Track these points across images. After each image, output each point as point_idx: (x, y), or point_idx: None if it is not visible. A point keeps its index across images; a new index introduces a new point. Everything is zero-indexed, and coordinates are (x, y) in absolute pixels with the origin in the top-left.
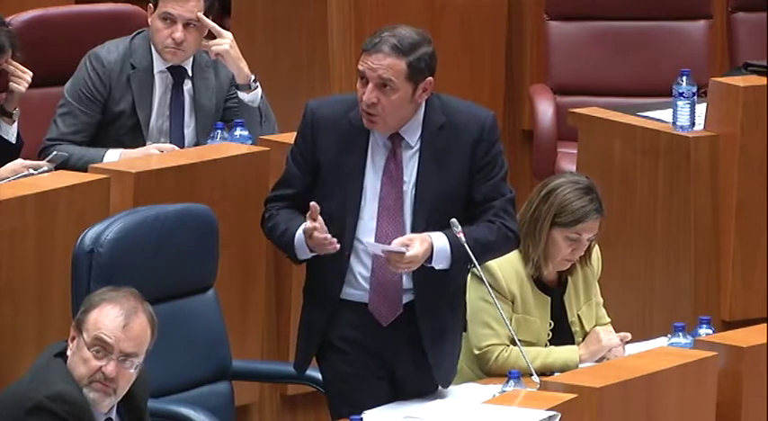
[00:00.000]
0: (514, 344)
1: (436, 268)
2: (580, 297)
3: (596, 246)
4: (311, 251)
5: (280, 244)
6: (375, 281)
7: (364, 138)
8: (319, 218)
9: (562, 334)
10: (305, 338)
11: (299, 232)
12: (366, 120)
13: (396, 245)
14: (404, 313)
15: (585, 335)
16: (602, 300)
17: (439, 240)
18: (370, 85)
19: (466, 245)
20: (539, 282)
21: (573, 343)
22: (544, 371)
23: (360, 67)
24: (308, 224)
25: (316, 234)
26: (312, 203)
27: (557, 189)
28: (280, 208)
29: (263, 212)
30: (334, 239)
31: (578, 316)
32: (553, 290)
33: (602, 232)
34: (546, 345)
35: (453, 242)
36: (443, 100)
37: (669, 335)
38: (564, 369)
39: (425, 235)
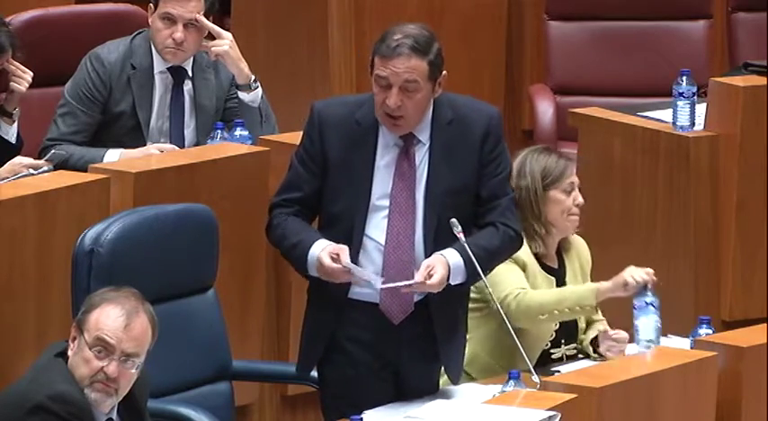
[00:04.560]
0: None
1: (452, 284)
2: (578, 280)
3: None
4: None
5: (289, 256)
6: (386, 280)
7: (373, 137)
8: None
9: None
10: (310, 339)
11: (313, 252)
12: (390, 124)
13: (420, 276)
14: (414, 311)
15: (588, 319)
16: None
17: (453, 257)
18: (395, 90)
19: (466, 245)
20: (542, 264)
21: (576, 326)
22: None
23: (381, 73)
24: (326, 259)
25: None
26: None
27: (525, 162)
28: (288, 214)
29: (269, 219)
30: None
31: None
32: (556, 271)
33: (602, 232)
34: (553, 330)
35: (465, 256)
36: (448, 96)
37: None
38: (578, 304)
39: (440, 256)
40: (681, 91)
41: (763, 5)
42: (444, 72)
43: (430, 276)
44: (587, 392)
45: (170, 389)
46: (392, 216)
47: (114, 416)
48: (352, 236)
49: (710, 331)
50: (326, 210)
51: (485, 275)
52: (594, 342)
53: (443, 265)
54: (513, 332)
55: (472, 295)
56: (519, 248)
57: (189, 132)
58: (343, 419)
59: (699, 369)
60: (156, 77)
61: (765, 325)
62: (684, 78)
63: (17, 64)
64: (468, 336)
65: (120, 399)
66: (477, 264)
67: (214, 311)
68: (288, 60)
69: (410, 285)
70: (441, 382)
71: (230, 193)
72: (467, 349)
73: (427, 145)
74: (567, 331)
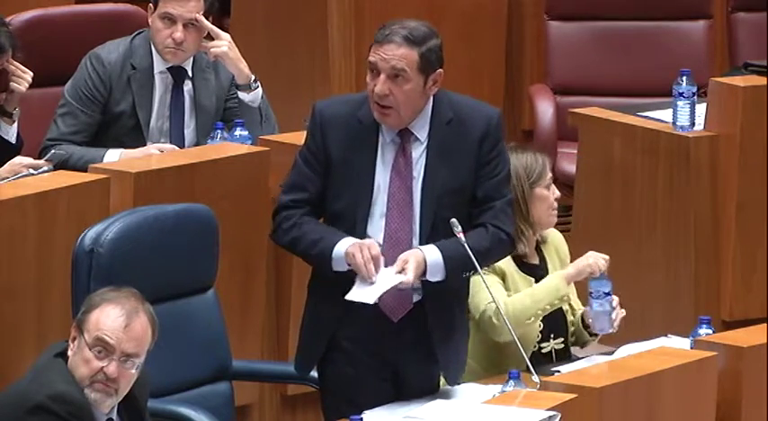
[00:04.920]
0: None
1: (431, 280)
2: None
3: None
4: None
5: (310, 252)
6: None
7: (374, 136)
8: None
9: (555, 312)
10: (311, 338)
11: (341, 248)
12: (378, 113)
13: (394, 270)
14: (412, 310)
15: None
16: (574, 289)
17: (431, 254)
18: (382, 77)
19: (466, 245)
20: (521, 264)
21: (565, 321)
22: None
23: (371, 59)
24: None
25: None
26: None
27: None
28: (301, 215)
29: (277, 221)
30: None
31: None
32: (536, 268)
33: (602, 232)
34: (538, 331)
35: (446, 254)
36: (450, 96)
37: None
38: (556, 298)
39: (417, 251)
40: (681, 91)
41: (763, 5)
42: (440, 70)
43: (403, 271)
44: (587, 392)
45: (170, 389)
46: (390, 213)
47: (114, 416)
48: (354, 234)
49: (710, 331)
50: (329, 208)
51: (471, 275)
52: (584, 322)
53: (416, 259)
54: (513, 333)
55: None
56: (510, 251)
57: (189, 132)
58: (344, 419)
59: (699, 369)
60: (156, 77)
61: (765, 325)
62: (684, 78)
63: (17, 64)
64: None
65: (120, 399)
66: (474, 260)
67: (214, 311)
68: (288, 60)
69: (395, 285)
70: (441, 382)
71: (230, 193)
72: None
73: (425, 143)
74: (555, 325)
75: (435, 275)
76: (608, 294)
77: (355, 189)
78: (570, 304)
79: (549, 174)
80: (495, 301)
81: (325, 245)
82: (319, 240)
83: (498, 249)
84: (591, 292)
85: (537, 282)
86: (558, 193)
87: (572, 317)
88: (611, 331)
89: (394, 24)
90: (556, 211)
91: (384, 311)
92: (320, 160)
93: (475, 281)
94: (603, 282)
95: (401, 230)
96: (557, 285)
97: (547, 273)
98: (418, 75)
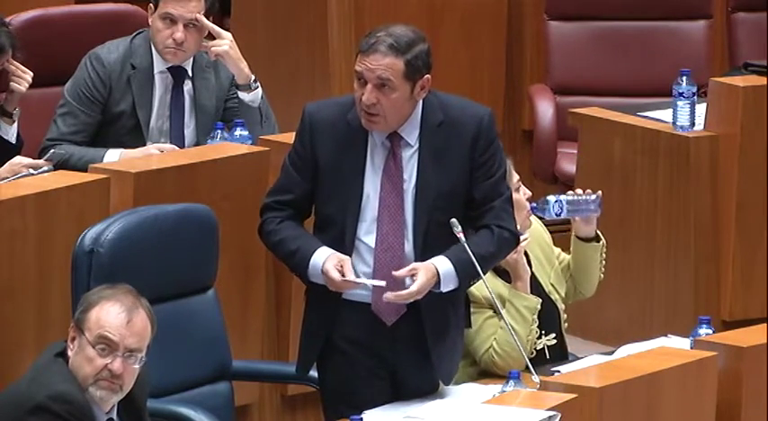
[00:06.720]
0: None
1: (444, 291)
2: (545, 265)
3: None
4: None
5: (288, 263)
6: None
7: (363, 139)
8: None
9: (545, 307)
10: (307, 340)
11: (316, 262)
12: (366, 120)
13: (401, 273)
14: (407, 312)
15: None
16: (564, 257)
17: (443, 265)
18: (369, 86)
19: (466, 245)
20: (501, 273)
21: (558, 314)
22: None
23: (357, 69)
24: (334, 273)
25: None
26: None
27: None
28: (282, 219)
29: (261, 221)
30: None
31: (552, 285)
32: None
33: (602, 232)
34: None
35: (456, 262)
36: (440, 97)
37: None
38: (531, 316)
39: (429, 263)
40: (681, 91)
41: (763, 5)
42: (428, 75)
43: (412, 276)
44: (587, 392)
45: (170, 389)
46: (381, 218)
47: (114, 415)
48: (345, 238)
49: (710, 331)
50: (320, 212)
51: (476, 281)
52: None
53: (428, 273)
54: (513, 334)
55: None
56: (515, 248)
57: (189, 132)
58: (344, 419)
59: (699, 369)
60: (156, 77)
61: (765, 325)
62: (684, 78)
63: (17, 64)
64: None
65: (123, 395)
66: (477, 265)
67: (214, 311)
68: (288, 60)
69: (396, 294)
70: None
71: (230, 193)
72: None
73: (415, 147)
74: (547, 322)
75: (449, 285)
76: (558, 201)
77: (345, 193)
78: (557, 290)
79: (516, 176)
80: (493, 301)
81: (302, 257)
82: (297, 250)
83: (504, 249)
84: (558, 216)
85: None
86: (528, 193)
87: (562, 306)
88: (597, 206)
89: (379, 31)
90: (531, 212)
91: (378, 315)
92: (307, 163)
93: (473, 321)
94: (547, 207)
95: (393, 235)
96: (525, 302)
97: (531, 269)
98: (404, 82)
